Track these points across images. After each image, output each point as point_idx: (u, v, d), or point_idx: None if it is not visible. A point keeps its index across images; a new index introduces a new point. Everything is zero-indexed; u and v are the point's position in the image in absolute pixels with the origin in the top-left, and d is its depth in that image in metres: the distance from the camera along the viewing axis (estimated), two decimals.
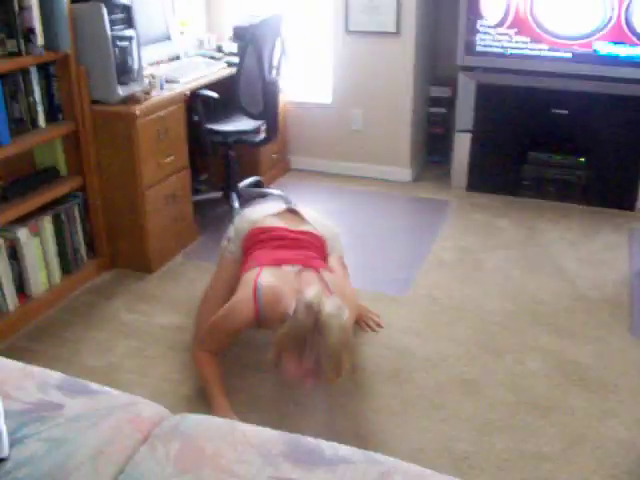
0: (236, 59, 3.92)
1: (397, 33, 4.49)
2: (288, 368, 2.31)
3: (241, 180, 4.36)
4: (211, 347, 2.60)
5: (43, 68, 3.07)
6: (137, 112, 3.24)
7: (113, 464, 1.42)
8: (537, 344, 2.94)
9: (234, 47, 4.44)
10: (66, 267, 3.31)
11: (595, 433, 2.41)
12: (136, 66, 3.36)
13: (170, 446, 1.46)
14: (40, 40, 2.94)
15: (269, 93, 3.93)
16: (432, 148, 5.18)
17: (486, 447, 2.34)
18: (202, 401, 2.54)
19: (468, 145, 4.55)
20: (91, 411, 1.55)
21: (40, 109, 3.08)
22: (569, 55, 4.15)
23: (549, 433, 2.41)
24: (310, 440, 1.48)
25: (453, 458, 2.29)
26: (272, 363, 2.35)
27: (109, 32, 3.15)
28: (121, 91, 3.27)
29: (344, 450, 1.44)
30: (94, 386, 1.68)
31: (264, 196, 4.48)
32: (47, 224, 3.15)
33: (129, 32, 3.29)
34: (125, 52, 3.27)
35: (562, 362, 2.82)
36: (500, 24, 4.22)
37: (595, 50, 4.10)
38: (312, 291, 2.33)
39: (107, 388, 1.69)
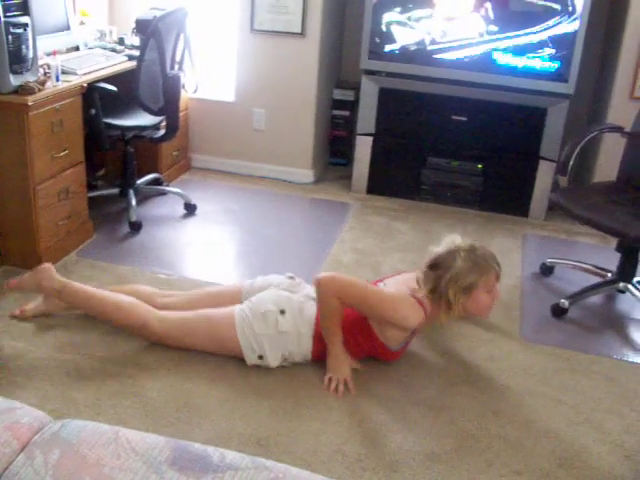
0: (137, 53, 3.82)
1: (302, 34, 4.49)
2: (483, 302, 2.62)
3: (140, 177, 4.25)
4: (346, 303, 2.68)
5: None
6: (30, 103, 3.10)
7: None
8: (430, 345, 2.99)
9: (136, 40, 4.33)
10: None
11: (485, 434, 2.46)
12: (31, 55, 3.21)
13: (49, 454, 1.39)
14: None
15: (170, 89, 3.85)
16: (335, 150, 5.21)
17: (378, 448, 2.36)
18: (89, 404, 2.46)
19: (369, 148, 4.59)
20: None
21: None
22: (469, 63, 4.25)
23: (441, 433, 2.45)
24: (197, 446, 1.44)
25: (346, 460, 2.29)
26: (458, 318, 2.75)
27: (2, 18, 3.01)
28: (13, 80, 3.13)
29: (232, 456, 1.41)
30: None
31: (163, 194, 4.40)
32: None
33: (24, 19, 3.15)
34: (19, 40, 3.12)
35: (454, 363, 2.88)
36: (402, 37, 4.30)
37: (494, 60, 4.22)
38: (450, 242, 2.65)
39: None
